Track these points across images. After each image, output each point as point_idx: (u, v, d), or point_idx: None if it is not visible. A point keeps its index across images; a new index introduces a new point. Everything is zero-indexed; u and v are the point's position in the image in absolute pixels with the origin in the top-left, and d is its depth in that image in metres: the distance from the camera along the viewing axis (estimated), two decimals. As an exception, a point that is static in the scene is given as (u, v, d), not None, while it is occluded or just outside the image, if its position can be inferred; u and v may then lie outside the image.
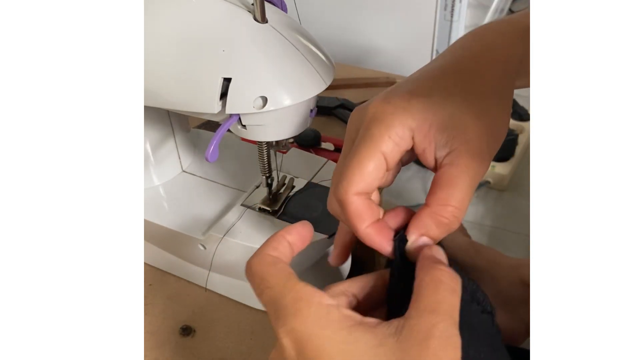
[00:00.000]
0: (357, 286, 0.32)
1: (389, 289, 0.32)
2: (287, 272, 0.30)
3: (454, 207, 0.31)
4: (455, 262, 0.33)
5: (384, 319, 0.28)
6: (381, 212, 0.34)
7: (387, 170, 0.33)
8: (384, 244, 0.32)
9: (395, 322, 0.27)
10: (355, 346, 0.26)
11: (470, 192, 0.31)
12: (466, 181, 0.31)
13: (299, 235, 0.33)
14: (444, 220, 0.31)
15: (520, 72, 0.35)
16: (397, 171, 0.35)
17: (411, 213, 0.34)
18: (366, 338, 0.26)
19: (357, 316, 0.28)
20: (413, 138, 0.32)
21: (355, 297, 0.31)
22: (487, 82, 0.34)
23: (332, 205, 0.35)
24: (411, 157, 0.35)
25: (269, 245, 0.32)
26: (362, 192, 0.32)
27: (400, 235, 0.32)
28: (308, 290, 0.28)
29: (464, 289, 0.30)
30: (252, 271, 0.31)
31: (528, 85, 0.35)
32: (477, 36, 0.37)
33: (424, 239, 0.32)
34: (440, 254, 0.31)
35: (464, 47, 0.36)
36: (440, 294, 0.28)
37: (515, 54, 0.35)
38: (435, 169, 0.32)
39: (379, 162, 0.32)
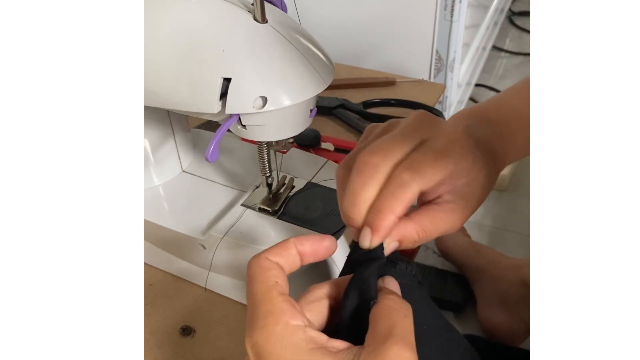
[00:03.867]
0: (337, 289, 0.32)
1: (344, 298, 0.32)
2: (272, 282, 0.30)
3: (427, 234, 0.35)
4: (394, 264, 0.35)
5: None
6: None
7: None
8: (380, 238, 0.33)
9: (354, 349, 0.28)
10: None
11: (439, 233, 0.36)
12: (446, 226, 0.35)
13: (311, 248, 0.33)
14: (415, 237, 0.34)
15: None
16: None
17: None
18: None
19: (321, 339, 0.28)
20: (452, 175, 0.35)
21: (336, 300, 0.32)
22: (495, 164, 0.38)
23: (376, 167, 0.34)
24: None
25: (273, 250, 0.32)
26: (421, 189, 0.33)
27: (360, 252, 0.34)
28: (281, 307, 0.29)
29: (391, 263, 0.34)
30: (247, 271, 0.31)
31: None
32: (502, 115, 0.41)
33: (394, 245, 0.34)
34: (391, 284, 0.32)
35: (493, 123, 0.40)
36: (392, 319, 0.29)
37: (512, 153, 0.40)
38: (423, 203, 0.36)
39: (447, 174, 0.34)
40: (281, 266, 0.31)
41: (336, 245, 0.34)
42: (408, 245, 0.35)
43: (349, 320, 0.30)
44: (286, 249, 0.32)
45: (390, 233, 0.33)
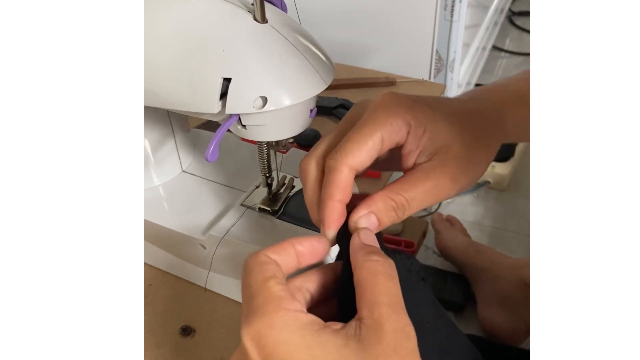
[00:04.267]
0: (310, 280, 0.32)
1: (338, 282, 0.32)
2: (270, 273, 0.30)
3: (404, 198, 0.33)
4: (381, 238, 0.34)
5: (334, 312, 0.30)
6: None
7: (378, 155, 0.34)
8: (332, 227, 0.34)
9: (353, 323, 0.28)
10: (323, 349, 0.27)
11: (424, 198, 0.34)
12: (426, 187, 0.34)
13: (310, 248, 0.33)
14: (391, 203, 0.33)
15: (510, 136, 0.40)
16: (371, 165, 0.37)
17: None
18: (332, 340, 0.27)
19: (321, 321, 0.29)
20: (407, 135, 0.34)
21: (309, 292, 0.32)
22: (484, 129, 0.37)
23: (306, 167, 0.36)
24: (388, 163, 0.38)
25: (272, 248, 0.32)
26: (352, 167, 0.33)
27: (343, 231, 0.33)
28: (279, 294, 0.28)
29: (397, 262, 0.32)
30: (244, 266, 0.31)
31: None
32: (494, 88, 0.42)
33: (372, 218, 0.33)
34: (368, 237, 0.32)
35: (482, 91, 0.41)
36: (380, 285, 0.29)
37: (510, 119, 0.40)
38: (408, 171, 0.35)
39: (377, 142, 0.33)
40: (279, 264, 0.31)
41: (328, 246, 0.34)
42: (391, 217, 0.34)
43: (344, 304, 0.31)
44: (284, 248, 0.32)
45: (357, 213, 0.33)
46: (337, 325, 0.28)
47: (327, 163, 0.34)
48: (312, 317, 0.28)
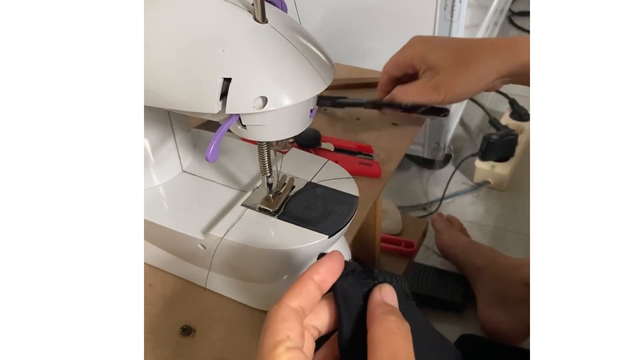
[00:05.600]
0: (317, 318, 0.32)
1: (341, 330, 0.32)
2: (282, 336, 0.29)
3: (400, 90, 0.66)
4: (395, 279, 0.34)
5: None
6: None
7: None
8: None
9: None
10: None
11: (415, 91, 0.63)
12: (418, 86, 0.63)
13: (328, 271, 0.32)
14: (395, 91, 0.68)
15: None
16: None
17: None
18: None
19: None
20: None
21: (317, 329, 0.32)
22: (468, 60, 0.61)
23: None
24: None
25: (292, 293, 0.31)
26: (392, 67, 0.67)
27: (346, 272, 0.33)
28: None
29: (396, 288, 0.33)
30: (266, 319, 0.30)
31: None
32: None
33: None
34: (389, 295, 0.32)
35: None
36: (394, 344, 0.29)
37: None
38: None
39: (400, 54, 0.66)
40: (302, 310, 0.31)
41: (342, 257, 0.33)
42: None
43: (348, 341, 0.31)
44: (304, 287, 0.31)
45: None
46: None
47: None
48: None
